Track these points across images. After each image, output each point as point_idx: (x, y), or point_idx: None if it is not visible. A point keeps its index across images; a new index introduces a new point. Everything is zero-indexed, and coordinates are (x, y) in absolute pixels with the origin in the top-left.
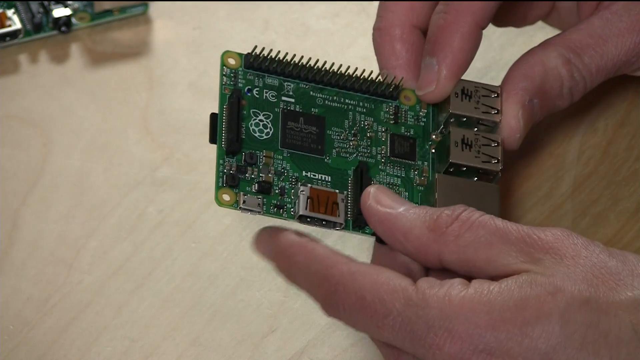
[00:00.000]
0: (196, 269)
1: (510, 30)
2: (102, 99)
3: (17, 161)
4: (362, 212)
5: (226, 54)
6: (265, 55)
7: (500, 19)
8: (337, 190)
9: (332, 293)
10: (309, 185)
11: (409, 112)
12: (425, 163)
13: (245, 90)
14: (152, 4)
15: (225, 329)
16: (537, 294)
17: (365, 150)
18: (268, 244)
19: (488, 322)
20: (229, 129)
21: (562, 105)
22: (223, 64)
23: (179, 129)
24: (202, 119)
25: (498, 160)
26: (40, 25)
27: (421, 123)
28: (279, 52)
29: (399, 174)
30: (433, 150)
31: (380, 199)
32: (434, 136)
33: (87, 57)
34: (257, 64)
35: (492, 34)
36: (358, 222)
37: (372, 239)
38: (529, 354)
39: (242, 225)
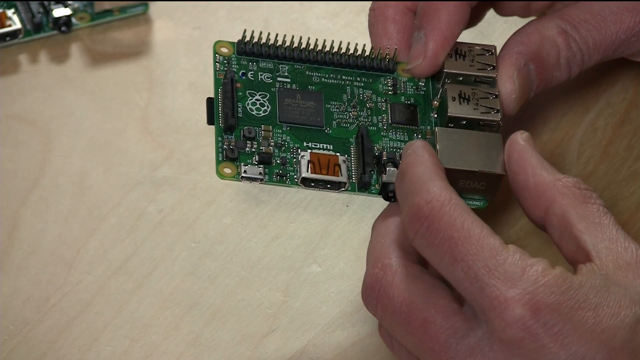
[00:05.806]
0: (196, 269)
1: (513, 25)
2: (102, 99)
3: (17, 161)
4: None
5: (218, 44)
6: (257, 40)
7: (504, 8)
8: (338, 154)
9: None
10: (309, 150)
11: (408, 83)
12: (429, 127)
13: (240, 74)
14: (152, 4)
15: (225, 329)
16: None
17: (366, 120)
18: None
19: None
20: (224, 107)
21: (561, 77)
22: (215, 52)
23: (179, 129)
24: (202, 118)
25: (498, 110)
26: (40, 25)
27: (421, 92)
28: (268, 34)
29: (402, 139)
30: (435, 116)
31: (530, 140)
32: (435, 102)
33: (87, 57)
34: (249, 49)
35: (492, 32)
36: (363, 183)
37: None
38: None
39: (242, 225)
